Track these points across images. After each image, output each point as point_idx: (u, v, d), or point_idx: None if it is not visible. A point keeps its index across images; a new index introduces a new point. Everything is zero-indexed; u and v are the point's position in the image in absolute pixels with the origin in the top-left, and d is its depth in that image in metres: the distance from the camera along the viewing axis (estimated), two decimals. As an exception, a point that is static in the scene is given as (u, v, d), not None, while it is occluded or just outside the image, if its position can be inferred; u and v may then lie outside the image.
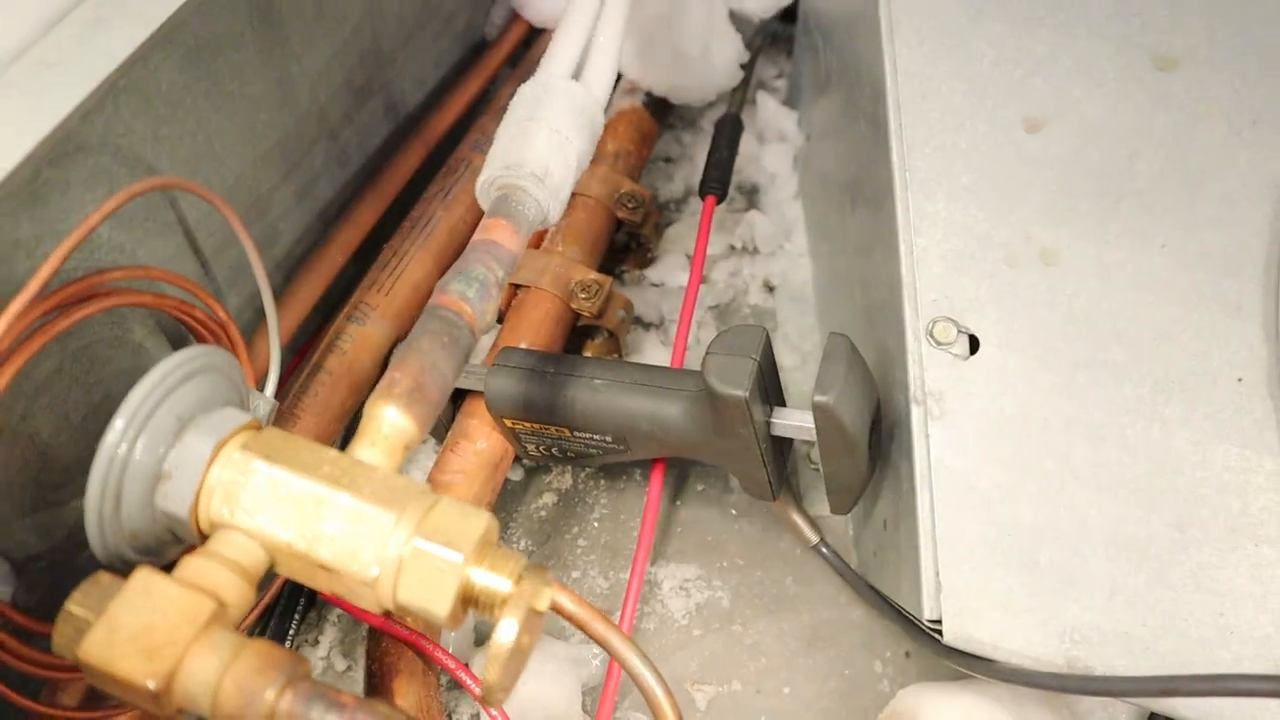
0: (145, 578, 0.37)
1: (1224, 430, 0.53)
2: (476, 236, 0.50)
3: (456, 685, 0.63)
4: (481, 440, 0.64)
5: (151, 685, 0.35)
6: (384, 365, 0.66)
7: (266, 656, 0.37)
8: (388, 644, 0.57)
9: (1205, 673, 0.48)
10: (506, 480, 0.70)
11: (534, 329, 0.67)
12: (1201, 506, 0.53)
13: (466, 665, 0.57)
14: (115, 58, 0.43)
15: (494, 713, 0.55)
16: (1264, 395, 0.54)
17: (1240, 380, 0.54)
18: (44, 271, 0.39)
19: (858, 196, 0.67)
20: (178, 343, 0.56)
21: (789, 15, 0.89)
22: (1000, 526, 0.53)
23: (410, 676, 0.56)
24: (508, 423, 0.62)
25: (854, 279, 0.69)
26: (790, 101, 0.90)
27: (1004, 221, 0.56)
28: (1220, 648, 0.51)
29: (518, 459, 0.69)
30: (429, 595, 0.39)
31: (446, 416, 0.66)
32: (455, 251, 0.70)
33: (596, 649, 0.65)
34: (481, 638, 0.65)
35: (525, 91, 0.56)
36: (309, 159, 0.65)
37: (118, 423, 0.39)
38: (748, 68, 0.86)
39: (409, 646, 0.57)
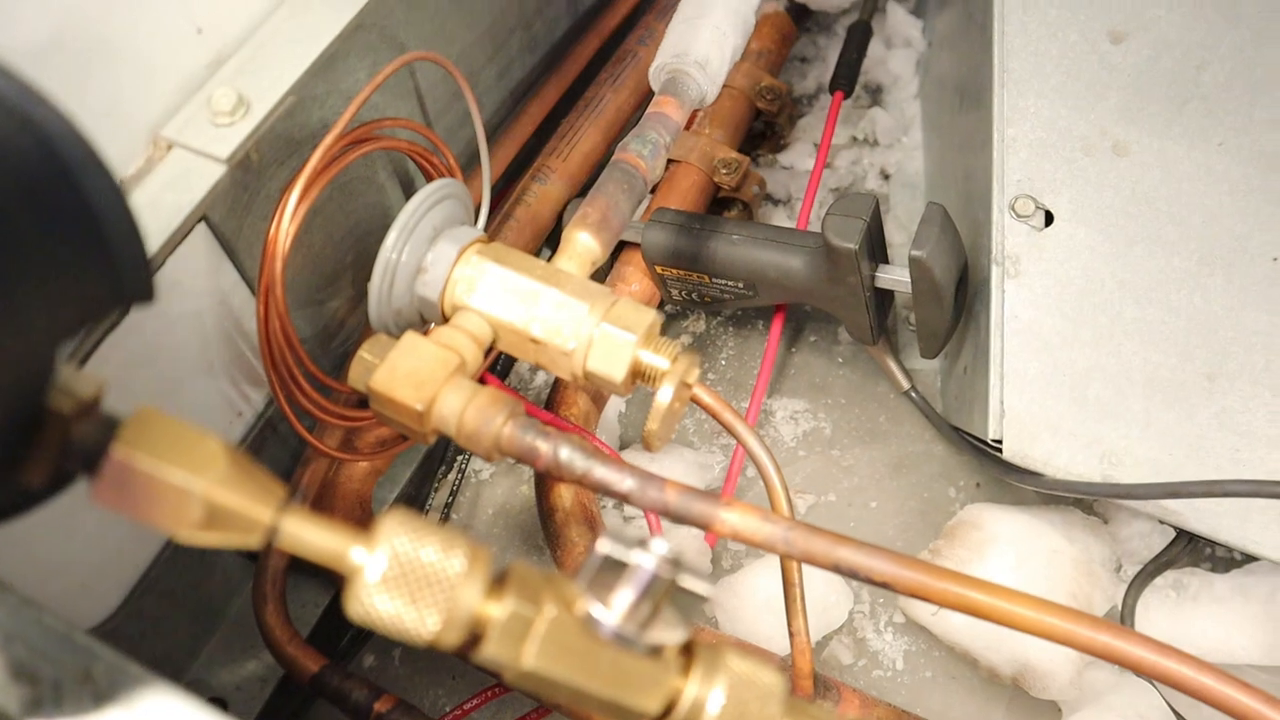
0: (412, 338, 0.53)
1: (1256, 300, 0.64)
2: (650, 110, 0.64)
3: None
4: (635, 283, 0.78)
5: (419, 407, 0.50)
6: (559, 216, 0.80)
7: (497, 396, 0.51)
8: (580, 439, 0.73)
9: (1203, 479, 0.60)
10: (652, 322, 0.85)
11: (682, 196, 0.81)
12: (1230, 361, 0.64)
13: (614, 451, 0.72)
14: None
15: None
16: (1295, 273, 0.64)
17: (1276, 260, 0.65)
18: (347, 114, 0.54)
19: (967, 98, 0.78)
20: (407, 185, 0.72)
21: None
22: (1057, 366, 0.65)
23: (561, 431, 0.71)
24: (658, 269, 0.76)
25: (958, 170, 0.81)
26: (917, 11, 1.00)
27: (1084, 117, 0.67)
28: (1232, 476, 0.63)
29: (662, 304, 0.83)
30: (610, 364, 0.53)
31: (606, 265, 0.81)
32: (620, 127, 0.84)
33: (718, 457, 0.79)
34: (625, 444, 0.80)
35: (691, -7, 0.69)
36: (508, 44, 0.79)
37: (394, 230, 0.54)
38: (880, -23, 0.96)
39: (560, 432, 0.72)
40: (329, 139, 0.54)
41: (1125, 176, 0.66)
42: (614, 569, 0.34)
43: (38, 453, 0.31)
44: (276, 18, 0.56)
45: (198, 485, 0.31)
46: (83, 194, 0.32)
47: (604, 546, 0.34)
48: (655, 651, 0.35)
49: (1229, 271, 0.65)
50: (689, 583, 0.35)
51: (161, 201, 0.50)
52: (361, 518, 0.69)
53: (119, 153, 0.51)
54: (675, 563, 0.35)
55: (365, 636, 0.72)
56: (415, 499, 0.77)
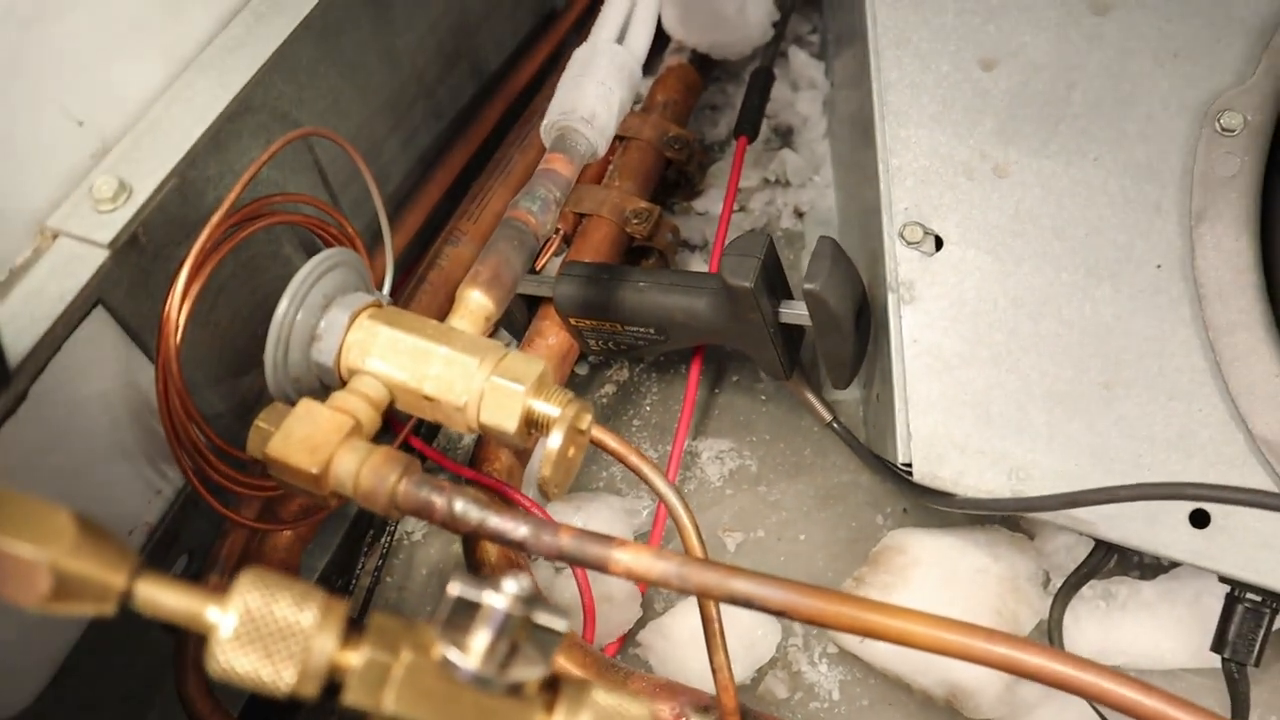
0: (307, 404, 0.54)
1: (1145, 307, 0.66)
2: (540, 167, 0.66)
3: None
4: (552, 337, 0.80)
5: (314, 470, 0.51)
6: (474, 278, 0.81)
7: (391, 455, 0.52)
8: (477, 491, 0.74)
9: (1097, 487, 0.61)
10: (574, 374, 0.86)
11: (595, 249, 0.83)
12: (1124, 369, 0.66)
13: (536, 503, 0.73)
14: (274, 42, 0.60)
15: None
16: (1179, 278, 0.66)
17: (1159, 267, 0.67)
18: (233, 193, 0.56)
19: (859, 131, 0.81)
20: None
21: (820, -24, 1.02)
22: (959, 387, 0.66)
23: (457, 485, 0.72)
24: (572, 321, 0.78)
25: (859, 202, 0.83)
26: (821, 54, 1.03)
27: (963, 143, 0.69)
28: (1136, 481, 0.64)
29: (583, 356, 0.84)
30: (502, 416, 0.54)
31: (523, 321, 0.82)
32: (530, 187, 0.86)
33: (645, 502, 0.80)
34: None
35: (578, 53, 0.71)
36: (411, 113, 0.81)
37: (284, 299, 0.55)
38: (779, 25, 0.99)
39: (495, 491, 0.73)
40: (216, 217, 0.55)
41: (1008, 197, 0.68)
42: (468, 611, 0.35)
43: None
44: (159, 106, 0.58)
45: (46, 556, 0.32)
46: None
47: (454, 589, 0.35)
48: (516, 690, 0.36)
49: (1115, 281, 0.67)
50: (545, 619, 0.36)
51: (47, 289, 0.51)
52: (289, 588, 0.70)
53: (6, 246, 0.52)
54: (529, 600, 0.36)
55: (298, 705, 0.72)
56: (346, 565, 0.77)
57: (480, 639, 0.35)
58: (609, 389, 0.87)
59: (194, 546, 0.69)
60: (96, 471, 0.60)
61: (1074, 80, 0.69)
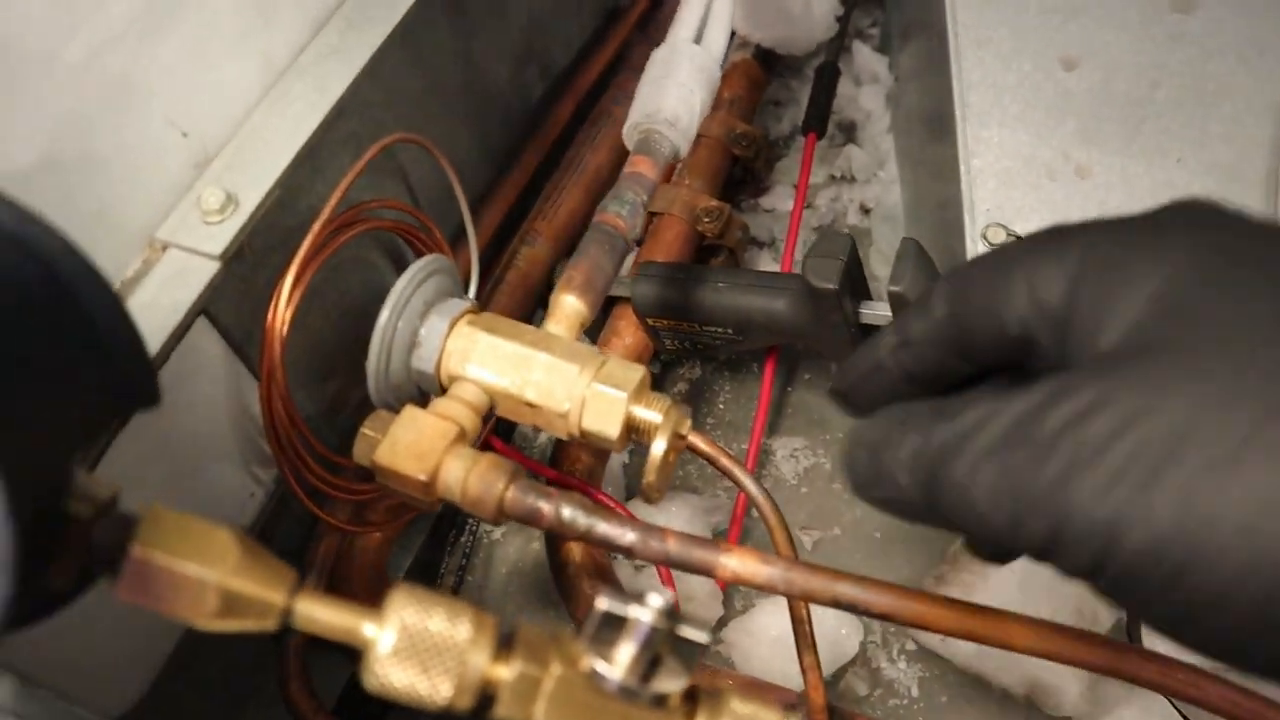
0: (411, 411, 0.54)
1: (1229, 307, 0.66)
2: (625, 170, 0.66)
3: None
4: (629, 337, 0.80)
5: (423, 478, 0.52)
6: (549, 276, 0.82)
7: (497, 462, 0.53)
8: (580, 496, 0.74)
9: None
10: (649, 372, 0.86)
11: (667, 248, 0.83)
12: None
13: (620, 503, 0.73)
14: (367, 51, 0.60)
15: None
16: (1264, 278, 0.66)
17: (1244, 266, 0.66)
18: (332, 201, 0.56)
19: (934, 129, 0.81)
20: (399, 262, 0.74)
21: (881, -30, 1.02)
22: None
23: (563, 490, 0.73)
24: (649, 321, 0.78)
25: (933, 199, 0.83)
26: (883, 48, 1.03)
27: (1045, 143, 0.69)
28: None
29: (656, 354, 0.85)
30: (604, 423, 0.55)
31: (600, 319, 0.82)
32: (601, 185, 0.86)
33: (722, 500, 0.81)
34: (631, 493, 0.82)
35: (658, 55, 0.72)
36: (485, 114, 0.81)
37: (386, 308, 0.56)
38: (843, 20, 0.99)
39: (579, 491, 0.74)
40: (317, 226, 0.56)
41: (1090, 197, 0.68)
42: (615, 624, 0.36)
43: (62, 558, 0.32)
44: (258, 114, 0.58)
45: (213, 576, 0.33)
46: (82, 308, 0.34)
47: (603, 604, 0.36)
48: (660, 700, 0.36)
49: (1200, 281, 0.66)
50: (688, 632, 0.37)
51: (160, 301, 0.52)
52: (377, 586, 0.71)
53: (116, 257, 0.53)
54: (672, 614, 0.36)
55: (389, 704, 0.73)
56: (429, 563, 0.78)
57: (626, 651, 0.36)
58: (681, 386, 0.87)
59: (284, 548, 0.70)
60: (199, 476, 0.61)
61: (1157, 79, 0.69)
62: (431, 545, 0.78)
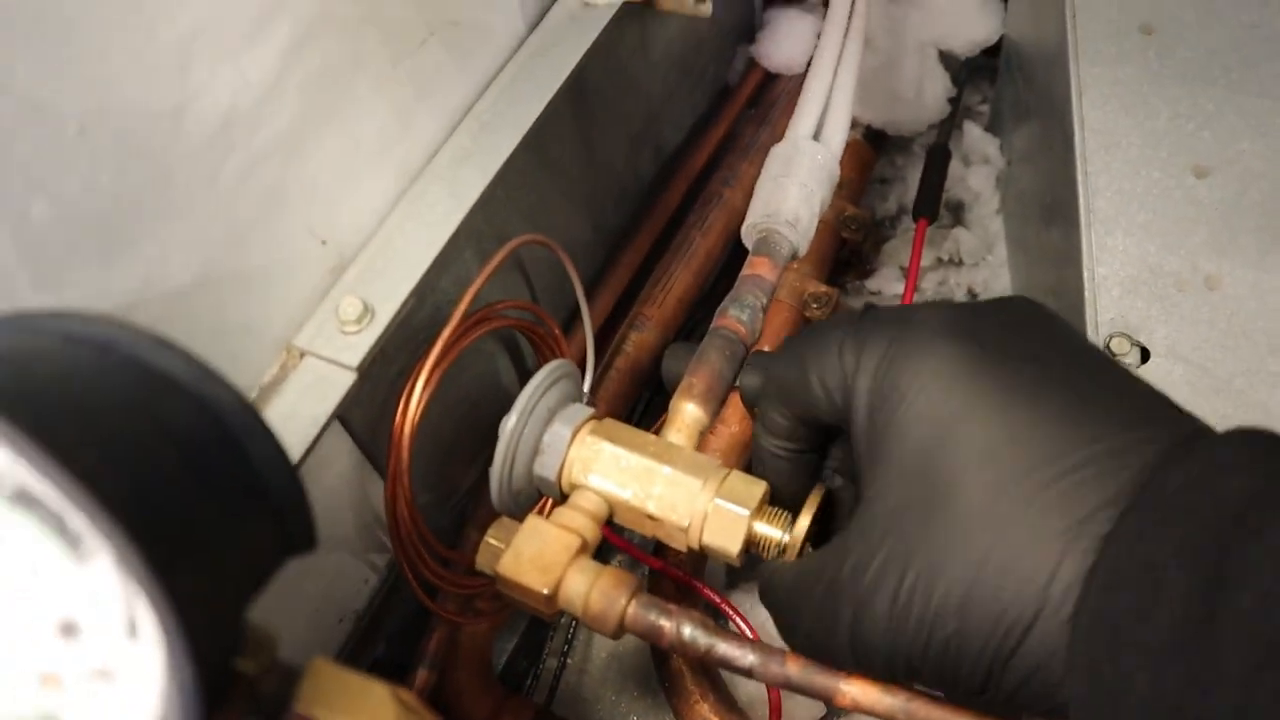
0: (535, 521, 0.55)
1: (1364, 428, 0.64)
2: (745, 271, 0.66)
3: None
4: (735, 424, 0.80)
5: (546, 591, 0.53)
6: (657, 362, 0.82)
7: (621, 577, 0.53)
8: (665, 583, 0.74)
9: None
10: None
11: (775, 335, 0.83)
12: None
13: (724, 597, 0.73)
14: (500, 158, 0.62)
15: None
16: (1401, 400, 0.64)
17: (1379, 386, 0.65)
18: (462, 305, 0.57)
19: (1051, 219, 0.80)
20: (513, 353, 0.75)
21: (992, 49, 1.01)
22: (1165, 503, 0.65)
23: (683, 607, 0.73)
24: (755, 410, 0.78)
25: (1047, 288, 0.82)
26: (993, 127, 1.02)
27: (1173, 253, 0.68)
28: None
29: (760, 439, 0.85)
30: (725, 539, 0.55)
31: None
32: (710, 270, 0.86)
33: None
34: (732, 583, 0.82)
35: (778, 151, 0.72)
36: (601, 199, 0.82)
37: (514, 415, 0.56)
38: (955, 101, 0.98)
39: (681, 583, 0.74)
40: (447, 331, 0.57)
41: (1220, 310, 0.67)
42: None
43: (228, 713, 0.33)
44: (392, 219, 0.60)
45: (370, 737, 0.34)
46: (252, 462, 0.35)
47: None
48: None
49: (1334, 401, 0.65)
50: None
51: (299, 412, 0.53)
52: (484, 672, 0.71)
53: (256, 363, 0.54)
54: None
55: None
56: (533, 645, 0.79)
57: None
58: (784, 472, 0.87)
59: (390, 633, 0.71)
60: (320, 564, 0.63)
61: (1293, 190, 0.68)
62: (534, 627, 0.79)
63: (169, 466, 0.32)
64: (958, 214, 0.99)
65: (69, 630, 0.32)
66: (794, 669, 0.52)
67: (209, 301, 0.50)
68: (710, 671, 0.72)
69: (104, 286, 0.44)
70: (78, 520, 0.31)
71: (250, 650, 0.34)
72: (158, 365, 0.34)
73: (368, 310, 0.55)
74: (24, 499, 0.31)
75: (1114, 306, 0.68)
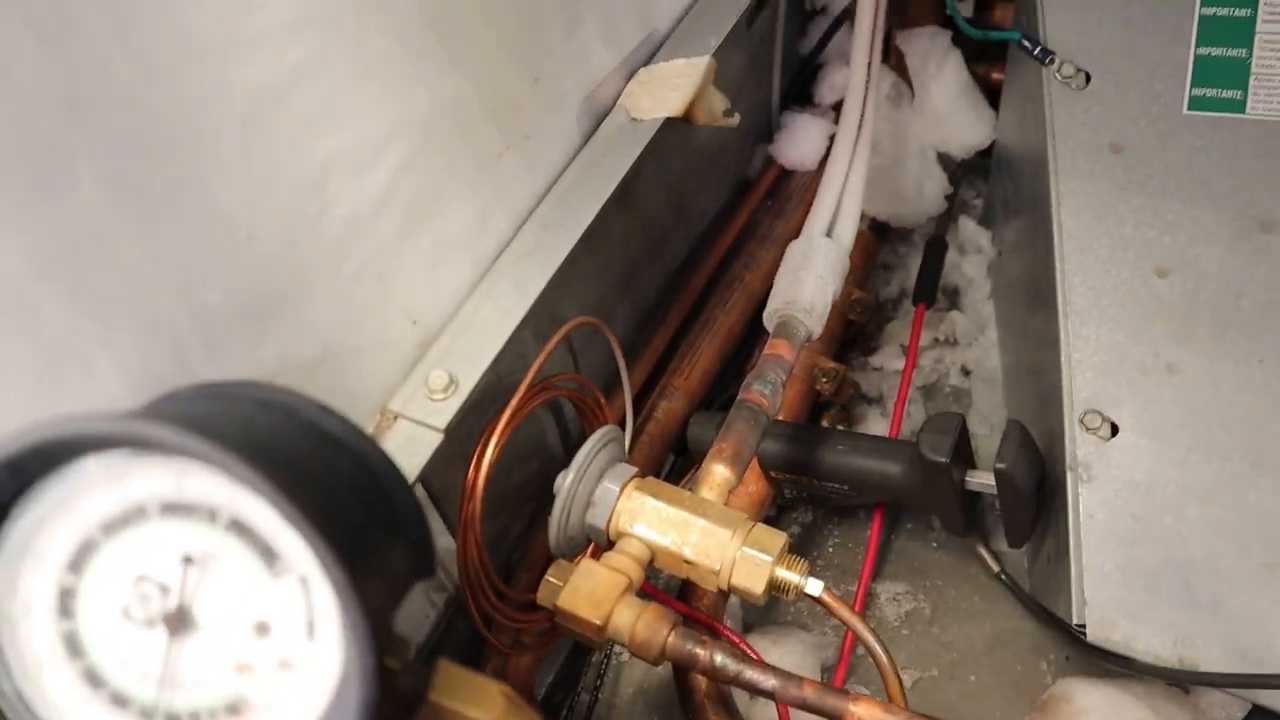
0: (589, 564, 0.64)
1: (1305, 498, 0.74)
2: (767, 351, 0.76)
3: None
4: (753, 485, 0.90)
5: (598, 622, 0.62)
6: (683, 429, 0.92)
7: (662, 612, 0.63)
8: (691, 625, 0.83)
9: (1269, 673, 0.68)
10: (766, 515, 0.96)
11: (788, 406, 0.93)
12: (1285, 553, 0.73)
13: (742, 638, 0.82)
14: (561, 255, 0.72)
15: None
16: (1337, 473, 0.74)
17: (1318, 462, 0.74)
18: (528, 378, 0.67)
19: (1035, 306, 0.90)
20: (558, 416, 0.84)
21: (985, 151, 1.12)
22: (1130, 561, 0.74)
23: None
24: (772, 473, 0.88)
25: (1031, 367, 0.92)
26: (985, 221, 1.13)
27: (1139, 342, 0.78)
28: (1297, 656, 0.71)
29: (774, 499, 0.94)
30: (751, 581, 0.64)
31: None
32: (732, 346, 0.96)
33: (830, 638, 0.89)
34: (748, 626, 0.91)
35: (796, 247, 0.82)
36: (639, 281, 0.92)
37: (571, 473, 0.66)
38: (951, 197, 1.09)
39: (704, 625, 0.83)
40: (515, 401, 0.67)
41: (1180, 392, 0.77)
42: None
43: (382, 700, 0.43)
44: (469, 305, 0.70)
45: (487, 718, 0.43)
46: (393, 503, 0.45)
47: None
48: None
49: (1277, 473, 0.74)
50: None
51: (395, 465, 0.62)
52: (528, 701, 0.80)
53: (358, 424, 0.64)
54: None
55: None
56: (569, 678, 0.88)
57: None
58: (794, 529, 0.97)
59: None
60: (393, 601, 0.72)
61: (1242, 290, 0.78)
62: (570, 662, 0.88)
63: (348, 505, 0.42)
64: (954, 298, 1.10)
65: (262, 629, 0.42)
66: (810, 692, 0.61)
67: (327, 371, 0.60)
68: (730, 706, 0.81)
69: (254, 359, 0.54)
70: (283, 543, 0.40)
71: (395, 650, 0.44)
72: (325, 426, 0.45)
73: (453, 381, 0.65)
74: (237, 527, 0.41)
75: (1088, 386, 0.78)
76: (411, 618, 0.75)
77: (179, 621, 0.41)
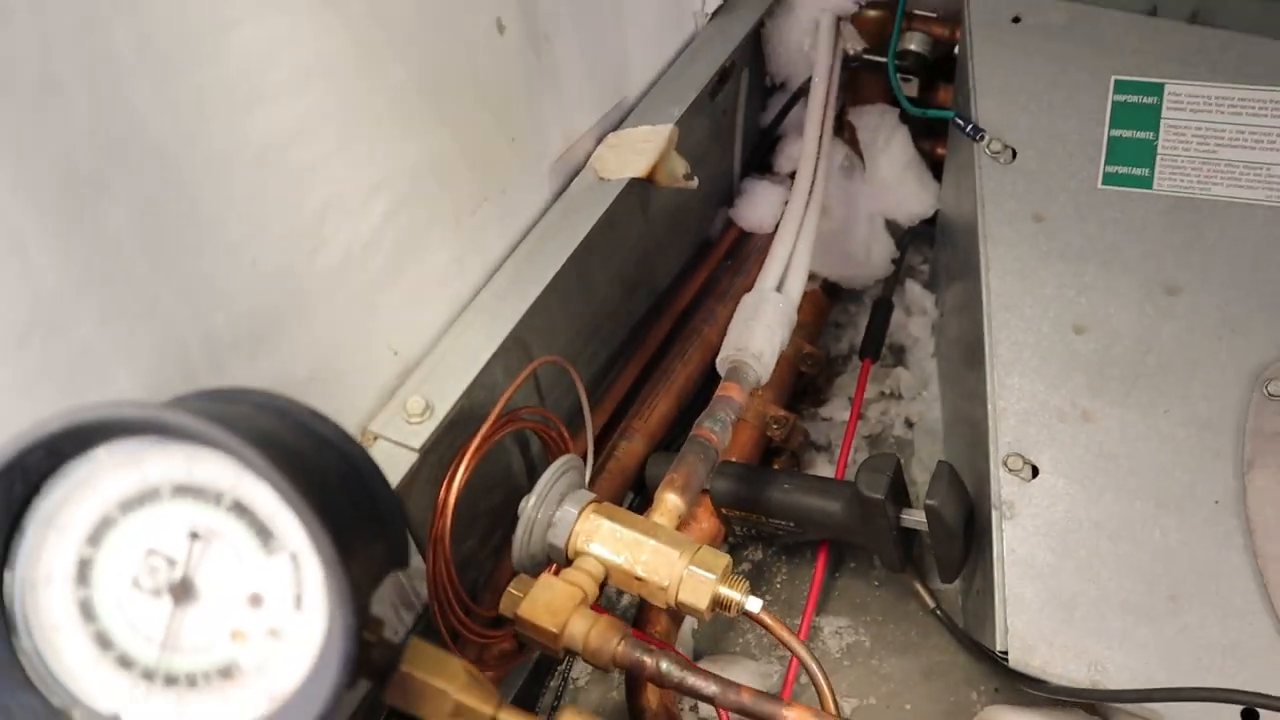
0: (548, 578, 0.70)
1: (1205, 536, 0.80)
2: (718, 393, 0.83)
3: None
4: (705, 522, 0.96)
5: (555, 630, 0.68)
6: (643, 467, 0.99)
7: (613, 623, 0.68)
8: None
9: (1166, 687, 0.75)
10: (718, 551, 1.02)
11: (741, 449, 1.00)
12: (1188, 586, 0.80)
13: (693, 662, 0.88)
14: (528, 299, 0.79)
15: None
16: (1233, 514, 0.81)
17: (1217, 503, 0.81)
18: (497, 408, 0.74)
19: (970, 362, 0.97)
20: (523, 447, 0.91)
21: (930, 219, 1.21)
22: (1049, 592, 0.81)
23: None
24: (723, 510, 0.94)
25: (965, 417, 0.99)
26: (930, 285, 1.21)
27: (1057, 392, 0.86)
28: (1196, 682, 0.78)
29: (726, 536, 1.01)
30: (696, 597, 0.70)
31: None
32: (689, 394, 1.03)
33: (776, 667, 0.95)
34: (698, 654, 0.97)
35: (748, 300, 0.90)
36: (601, 329, 0.99)
37: (534, 497, 0.72)
38: (898, 261, 1.17)
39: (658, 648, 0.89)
40: (485, 429, 0.74)
41: (1093, 438, 0.84)
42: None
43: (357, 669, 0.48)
44: (447, 339, 0.76)
45: (451, 689, 0.49)
46: (374, 496, 0.51)
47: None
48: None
49: (1180, 513, 0.81)
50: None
51: (374, 480, 0.69)
52: None
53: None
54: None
55: None
56: (525, 703, 0.93)
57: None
58: (745, 566, 1.03)
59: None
60: (366, 614, 0.77)
61: (1149, 346, 0.86)
62: (528, 685, 0.93)
63: (336, 494, 0.48)
64: (899, 355, 1.17)
65: (255, 601, 0.48)
66: (746, 697, 0.67)
67: (315, 391, 0.66)
68: (678, 724, 0.86)
69: (251, 375, 0.61)
70: (278, 524, 0.47)
71: (371, 627, 0.49)
72: (316, 428, 0.51)
73: (429, 406, 0.72)
74: (238, 508, 0.47)
75: (1011, 432, 0.85)
76: (388, 623, 0.80)
77: (183, 591, 0.47)
